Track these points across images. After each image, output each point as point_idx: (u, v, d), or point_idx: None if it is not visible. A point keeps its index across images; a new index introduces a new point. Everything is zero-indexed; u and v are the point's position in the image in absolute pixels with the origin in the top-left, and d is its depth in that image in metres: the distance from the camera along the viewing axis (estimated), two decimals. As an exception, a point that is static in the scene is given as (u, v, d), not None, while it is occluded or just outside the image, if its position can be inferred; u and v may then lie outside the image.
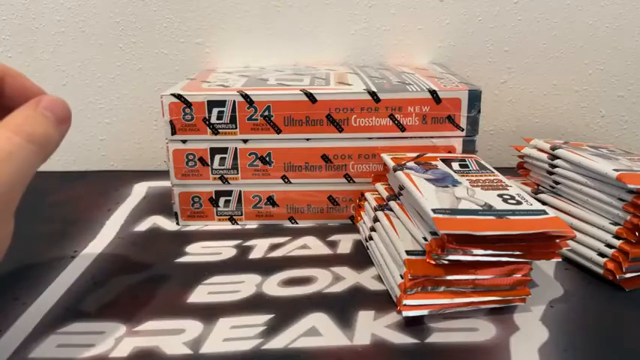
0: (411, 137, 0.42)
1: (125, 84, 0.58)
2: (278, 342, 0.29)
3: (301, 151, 0.42)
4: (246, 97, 0.41)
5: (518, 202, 0.32)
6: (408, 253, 0.31)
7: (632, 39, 0.57)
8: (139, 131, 0.58)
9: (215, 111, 0.41)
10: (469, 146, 0.43)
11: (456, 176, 0.36)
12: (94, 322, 0.31)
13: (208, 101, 0.41)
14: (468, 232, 0.28)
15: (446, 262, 0.30)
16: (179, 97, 0.41)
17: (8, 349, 0.28)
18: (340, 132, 0.42)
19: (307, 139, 0.42)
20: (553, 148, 0.39)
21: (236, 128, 0.42)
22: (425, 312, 0.30)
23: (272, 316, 0.31)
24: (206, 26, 0.56)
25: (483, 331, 0.30)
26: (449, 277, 0.30)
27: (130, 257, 0.39)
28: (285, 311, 0.32)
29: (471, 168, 0.38)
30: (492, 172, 0.37)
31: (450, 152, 0.42)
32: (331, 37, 0.57)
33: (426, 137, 0.42)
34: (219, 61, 0.57)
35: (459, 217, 0.30)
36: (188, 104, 0.41)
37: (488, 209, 0.31)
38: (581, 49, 0.57)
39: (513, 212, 0.31)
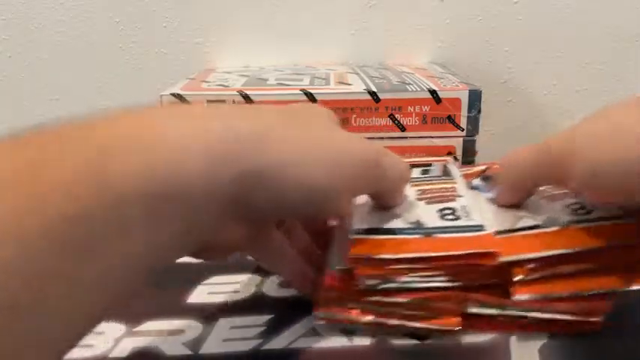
0: (411, 137, 0.42)
1: (125, 84, 0.58)
2: (278, 342, 0.29)
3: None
4: (245, 96, 0.41)
5: (457, 218, 0.29)
6: (332, 269, 0.28)
7: (632, 39, 0.57)
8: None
9: (215, 111, 0.41)
10: (469, 146, 0.43)
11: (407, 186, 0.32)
12: (93, 323, 0.31)
13: (208, 101, 0.41)
14: (364, 256, 0.26)
15: (363, 287, 0.27)
16: (179, 96, 0.41)
17: (8, 350, 0.28)
18: (340, 132, 0.42)
19: (307, 139, 0.42)
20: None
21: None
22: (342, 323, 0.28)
23: (272, 316, 0.31)
24: (206, 26, 0.56)
25: (483, 332, 0.30)
26: (368, 299, 0.28)
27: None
28: (285, 311, 0.32)
29: (432, 174, 0.35)
30: (452, 180, 0.34)
31: (446, 154, 0.42)
32: (331, 37, 0.57)
33: (426, 137, 0.42)
34: (218, 61, 0.57)
35: (377, 237, 0.27)
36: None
37: (417, 227, 0.28)
38: (581, 48, 0.57)
39: (444, 229, 0.28)
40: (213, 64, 0.57)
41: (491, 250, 0.26)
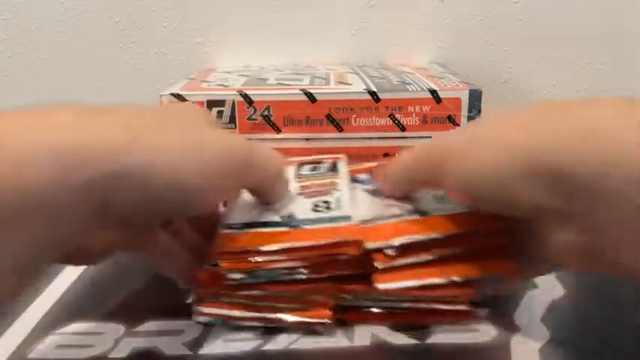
0: (411, 137, 0.42)
1: (125, 84, 0.58)
2: (278, 343, 0.29)
3: (301, 150, 0.42)
4: (245, 96, 0.41)
5: (328, 209, 0.29)
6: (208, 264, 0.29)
7: (632, 39, 0.57)
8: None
9: (214, 110, 0.41)
10: (469, 146, 0.43)
11: (293, 182, 0.33)
12: (93, 323, 0.31)
13: (208, 101, 0.41)
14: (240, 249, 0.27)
15: (233, 282, 0.28)
16: (178, 96, 0.41)
17: (8, 349, 0.28)
18: (340, 132, 0.42)
19: (307, 139, 0.42)
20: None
21: (235, 128, 0.42)
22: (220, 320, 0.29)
23: (272, 316, 0.31)
24: (206, 26, 0.56)
25: (483, 332, 0.30)
26: (239, 293, 0.28)
27: (129, 257, 0.39)
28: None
29: (319, 171, 0.35)
30: (337, 176, 0.34)
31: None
32: (331, 37, 0.57)
33: (427, 137, 0.42)
34: (219, 61, 0.57)
35: (247, 231, 0.28)
36: (188, 104, 0.41)
37: (288, 220, 0.29)
38: (581, 49, 0.57)
39: (313, 221, 0.28)
40: (213, 64, 0.57)
41: (353, 238, 0.27)
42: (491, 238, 0.28)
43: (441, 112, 0.42)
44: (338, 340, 0.29)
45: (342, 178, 0.34)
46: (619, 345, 0.29)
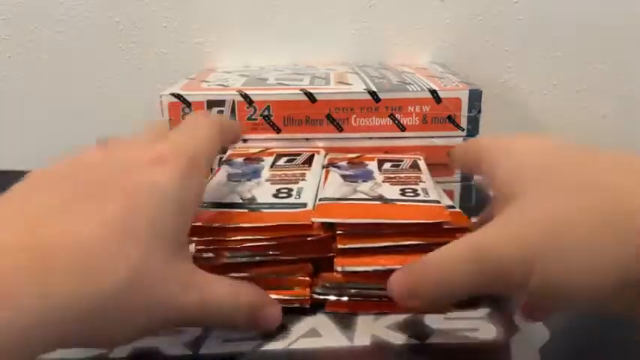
0: (411, 137, 0.42)
1: (125, 84, 0.58)
2: (278, 343, 0.29)
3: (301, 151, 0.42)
4: (245, 96, 0.41)
5: (288, 196, 0.32)
6: None
7: (633, 39, 0.57)
8: (139, 131, 0.58)
9: (214, 111, 0.41)
10: (469, 146, 0.42)
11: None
12: (93, 323, 0.31)
13: (208, 101, 0.41)
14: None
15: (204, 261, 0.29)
16: (178, 96, 0.41)
17: (7, 350, 0.28)
18: (340, 132, 0.42)
19: (307, 139, 0.42)
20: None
21: (236, 128, 0.42)
22: None
23: (272, 316, 0.31)
24: (206, 26, 0.56)
25: (483, 332, 0.30)
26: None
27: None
28: (284, 312, 0.32)
29: (295, 163, 0.38)
30: (308, 168, 0.37)
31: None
32: (331, 37, 0.57)
33: (427, 137, 0.42)
34: (219, 61, 0.57)
35: (214, 210, 0.30)
36: (187, 104, 0.41)
37: (249, 202, 0.31)
38: (581, 49, 0.57)
39: (272, 205, 0.31)
40: (213, 64, 0.57)
41: (302, 222, 0.29)
42: (455, 233, 0.29)
43: (441, 112, 0.42)
44: (338, 340, 0.29)
45: (314, 170, 0.36)
46: (619, 345, 0.29)
